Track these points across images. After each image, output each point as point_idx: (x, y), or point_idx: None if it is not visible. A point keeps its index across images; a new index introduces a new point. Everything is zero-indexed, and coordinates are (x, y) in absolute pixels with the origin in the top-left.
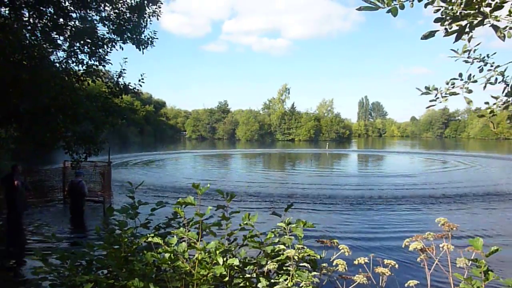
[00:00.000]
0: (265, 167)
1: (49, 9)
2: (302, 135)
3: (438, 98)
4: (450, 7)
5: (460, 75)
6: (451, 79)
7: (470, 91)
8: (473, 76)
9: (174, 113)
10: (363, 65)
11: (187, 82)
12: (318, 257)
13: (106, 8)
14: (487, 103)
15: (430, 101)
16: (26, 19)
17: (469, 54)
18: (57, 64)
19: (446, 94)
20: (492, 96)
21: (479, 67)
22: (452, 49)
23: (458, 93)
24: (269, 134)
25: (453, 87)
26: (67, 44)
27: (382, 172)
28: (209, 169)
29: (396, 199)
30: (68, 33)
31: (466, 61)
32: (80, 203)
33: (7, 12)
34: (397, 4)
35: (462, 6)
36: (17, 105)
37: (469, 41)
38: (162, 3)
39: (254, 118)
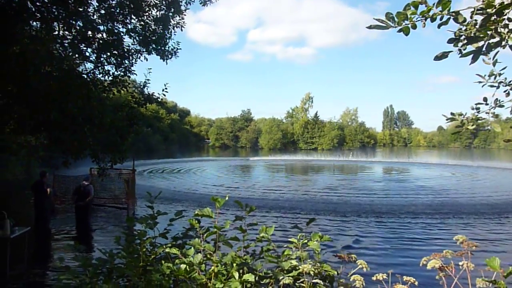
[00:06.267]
0: (288, 174)
1: (78, 22)
2: (325, 144)
3: (464, 124)
4: (464, 28)
5: (485, 99)
6: (476, 104)
7: (496, 116)
8: (500, 101)
9: (198, 121)
10: (389, 74)
11: (212, 91)
12: (335, 272)
13: (132, 20)
14: None
15: (457, 127)
16: (56, 32)
17: (495, 78)
18: (85, 75)
19: (472, 120)
20: None
21: (505, 91)
22: (478, 74)
23: (484, 119)
24: (292, 143)
25: (478, 112)
26: (95, 55)
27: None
28: (233, 177)
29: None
30: (96, 45)
31: (492, 86)
32: (87, 206)
33: (38, 25)
34: (408, 24)
35: (477, 27)
36: (47, 114)
37: (494, 65)
38: (185, 15)
39: (277, 126)
